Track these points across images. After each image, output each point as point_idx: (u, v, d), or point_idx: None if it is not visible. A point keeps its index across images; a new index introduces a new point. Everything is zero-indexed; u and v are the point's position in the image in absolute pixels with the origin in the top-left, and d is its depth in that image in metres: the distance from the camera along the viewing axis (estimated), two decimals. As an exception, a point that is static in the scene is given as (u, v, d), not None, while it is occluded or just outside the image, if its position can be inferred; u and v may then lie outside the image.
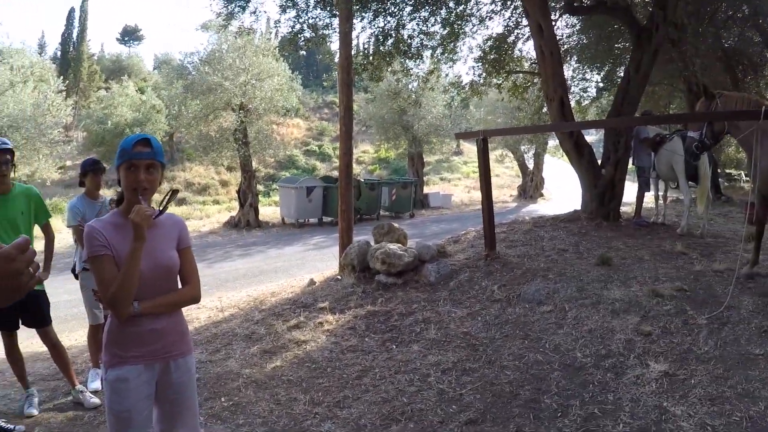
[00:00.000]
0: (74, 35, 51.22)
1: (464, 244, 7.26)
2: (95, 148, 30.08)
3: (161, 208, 2.32)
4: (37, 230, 4.43)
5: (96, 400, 4.37)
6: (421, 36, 9.54)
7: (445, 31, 9.69)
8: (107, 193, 5.37)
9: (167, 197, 2.32)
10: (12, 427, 4.01)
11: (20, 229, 4.26)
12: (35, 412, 4.36)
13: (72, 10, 52.22)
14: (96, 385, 4.73)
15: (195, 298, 2.42)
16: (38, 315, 4.33)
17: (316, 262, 11.03)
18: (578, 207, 8.28)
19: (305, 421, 3.54)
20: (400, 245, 6.27)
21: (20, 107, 16.77)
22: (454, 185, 32.57)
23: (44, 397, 4.59)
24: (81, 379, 4.73)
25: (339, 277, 6.76)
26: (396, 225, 6.85)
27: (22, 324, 4.34)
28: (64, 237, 11.18)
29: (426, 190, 25.87)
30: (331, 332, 5.14)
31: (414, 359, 4.26)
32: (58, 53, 50.86)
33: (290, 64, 20.49)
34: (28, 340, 4.94)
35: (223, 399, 4.10)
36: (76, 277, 4.99)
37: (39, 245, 3.89)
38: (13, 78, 17.18)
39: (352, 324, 5.22)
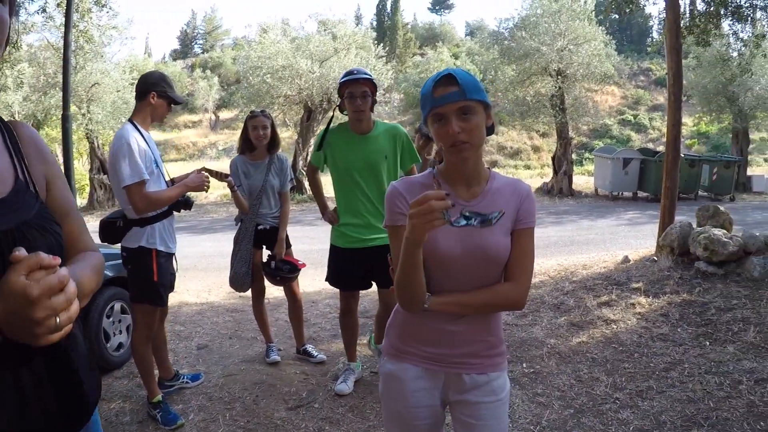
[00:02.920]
0: (388, 6, 56.21)
1: (793, 239, 6.32)
2: (411, 109, 33.02)
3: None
4: None
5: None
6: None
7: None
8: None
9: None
10: (316, 353, 4.48)
11: (382, 176, 3.66)
12: None
13: (385, -17, 56.53)
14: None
15: (514, 303, 1.71)
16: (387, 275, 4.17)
17: (630, 238, 10.63)
18: None
19: (604, 404, 3.59)
20: (724, 231, 5.78)
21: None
22: (780, 168, 27.42)
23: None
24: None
25: (655, 258, 6.52)
26: (722, 208, 6.30)
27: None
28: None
29: (749, 171, 22.16)
30: (642, 315, 5.05)
31: (727, 361, 4.01)
32: (374, 23, 55.90)
33: (605, 29, 19.43)
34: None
35: (524, 365, 4.26)
36: None
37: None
38: (336, 45, 19.26)
39: (666, 311, 5.06)
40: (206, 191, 3.55)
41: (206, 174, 3.50)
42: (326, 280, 3.99)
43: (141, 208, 3.24)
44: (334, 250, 3.89)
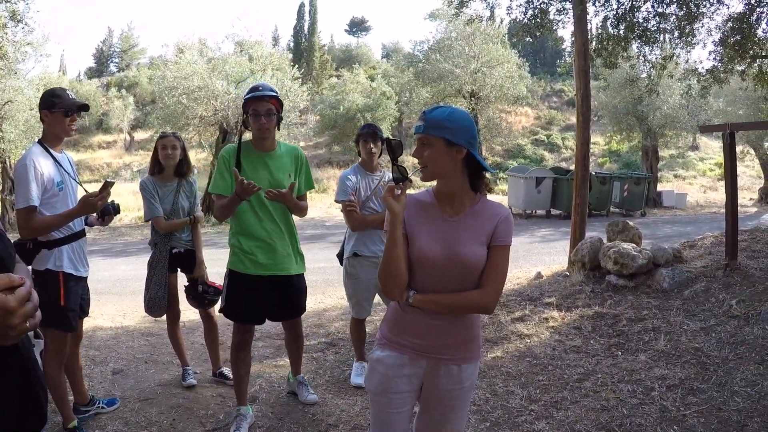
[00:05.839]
0: (305, 28, 55.52)
1: (701, 250, 6.63)
2: (328, 131, 32.81)
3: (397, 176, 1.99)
4: None
5: (313, 397, 3.86)
6: (657, 18, 8.75)
7: (682, 12, 8.73)
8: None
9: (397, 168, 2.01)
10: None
11: None
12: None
13: (302, 5, 56.57)
14: (359, 380, 4.15)
15: (483, 307, 2.01)
16: (295, 304, 3.62)
17: (543, 255, 10.81)
18: None
19: (520, 416, 3.56)
20: (634, 245, 5.94)
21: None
22: (689, 184, 29.25)
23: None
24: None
25: (567, 273, 6.62)
26: (631, 224, 6.49)
27: (269, 319, 3.65)
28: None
29: (659, 187, 23.40)
30: (555, 329, 5.08)
31: (639, 369, 4.06)
32: (291, 44, 55.57)
33: (519, 52, 20.17)
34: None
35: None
36: (341, 262, 4.37)
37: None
38: (252, 67, 19.01)
39: (578, 324, 5.11)
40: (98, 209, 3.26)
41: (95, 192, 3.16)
42: (221, 311, 3.56)
43: (23, 234, 3.19)
44: (235, 277, 3.44)
